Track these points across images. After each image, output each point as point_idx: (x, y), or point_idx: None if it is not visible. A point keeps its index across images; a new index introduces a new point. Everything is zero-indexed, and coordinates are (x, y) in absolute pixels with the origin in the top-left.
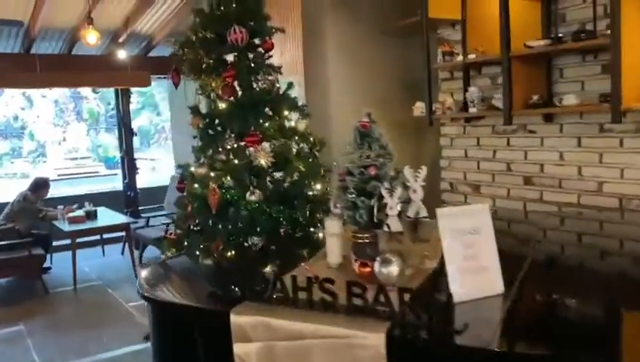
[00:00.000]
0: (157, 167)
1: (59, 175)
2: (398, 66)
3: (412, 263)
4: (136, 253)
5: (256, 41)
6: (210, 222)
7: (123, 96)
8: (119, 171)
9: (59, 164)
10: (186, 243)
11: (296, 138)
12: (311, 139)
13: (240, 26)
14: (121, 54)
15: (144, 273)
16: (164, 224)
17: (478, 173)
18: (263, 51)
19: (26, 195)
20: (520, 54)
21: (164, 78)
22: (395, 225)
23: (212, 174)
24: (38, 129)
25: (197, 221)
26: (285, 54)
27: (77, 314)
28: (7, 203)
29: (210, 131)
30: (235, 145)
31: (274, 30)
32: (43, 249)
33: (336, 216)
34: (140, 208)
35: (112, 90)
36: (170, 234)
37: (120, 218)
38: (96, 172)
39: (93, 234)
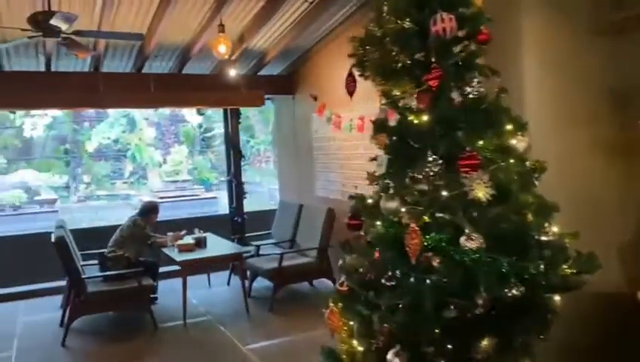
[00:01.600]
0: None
1: (160, 198)
2: (607, 72)
3: None
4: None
5: (463, 32)
6: (403, 274)
7: (232, 117)
8: (218, 194)
9: (159, 187)
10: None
11: (512, 161)
12: (527, 163)
13: (447, 13)
14: (232, 72)
15: None
16: (276, 254)
17: None
18: (473, 47)
19: (135, 220)
20: None
21: (269, 98)
22: None
23: (403, 209)
24: (139, 151)
25: (383, 272)
26: None
27: (191, 357)
28: (106, 226)
29: (401, 151)
30: (441, 171)
31: (488, 19)
32: (151, 277)
33: None
34: (246, 235)
35: (218, 110)
36: (342, 284)
37: (230, 246)
38: (197, 195)
39: (205, 265)
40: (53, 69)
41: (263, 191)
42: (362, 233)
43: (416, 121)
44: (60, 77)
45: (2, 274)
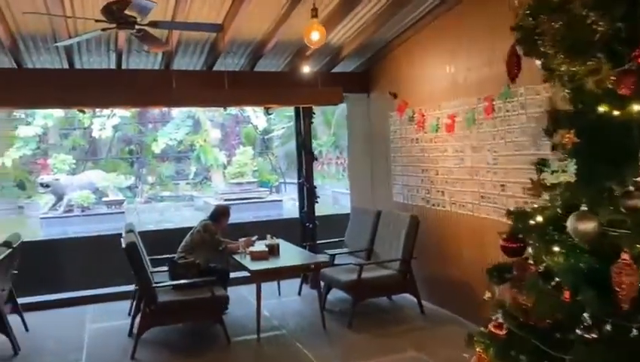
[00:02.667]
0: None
1: (225, 200)
2: None
3: None
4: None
5: None
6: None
7: (305, 116)
8: (284, 197)
9: (223, 188)
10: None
11: None
12: None
13: None
14: (306, 69)
15: None
16: (354, 265)
17: None
18: None
19: (206, 225)
20: None
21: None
22: None
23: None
24: (204, 152)
25: (573, 318)
26: None
27: None
28: (173, 229)
29: (597, 153)
30: None
31: None
32: (221, 286)
33: None
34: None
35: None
36: (499, 325)
37: (306, 255)
38: (261, 198)
39: (280, 276)
40: (124, 66)
41: (326, 194)
42: (528, 261)
43: (616, 113)
44: (132, 74)
45: (71, 276)
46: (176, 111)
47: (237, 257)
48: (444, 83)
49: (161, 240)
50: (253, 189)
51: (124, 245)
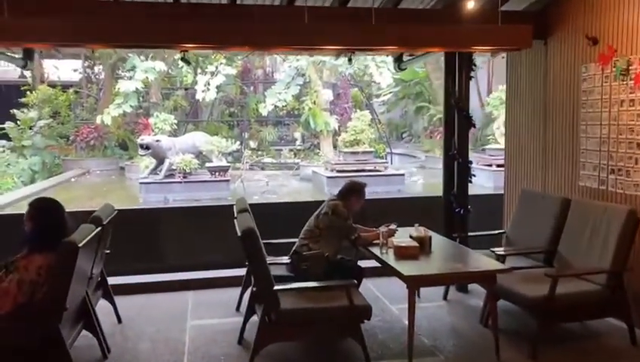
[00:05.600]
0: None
1: (337, 171)
2: None
3: None
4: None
5: None
6: None
7: (463, 67)
8: (406, 171)
9: (332, 157)
10: None
11: None
12: None
13: None
14: (470, 4)
15: None
16: (534, 270)
17: None
18: None
19: (335, 206)
20: None
21: None
22: None
23: None
24: (313, 116)
25: None
26: None
27: None
28: (280, 203)
29: None
30: None
31: None
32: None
33: None
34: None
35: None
36: None
37: (470, 254)
38: (379, 170)
39: (443, 282)
40: (238, 1)
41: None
42: None
43: None
44: (247, 11)
45: (169, 253)
46: (284, 70)
47: (375, 251)
48: None
49: (272, 217)
50: (370, 160)
51: (238, 230)
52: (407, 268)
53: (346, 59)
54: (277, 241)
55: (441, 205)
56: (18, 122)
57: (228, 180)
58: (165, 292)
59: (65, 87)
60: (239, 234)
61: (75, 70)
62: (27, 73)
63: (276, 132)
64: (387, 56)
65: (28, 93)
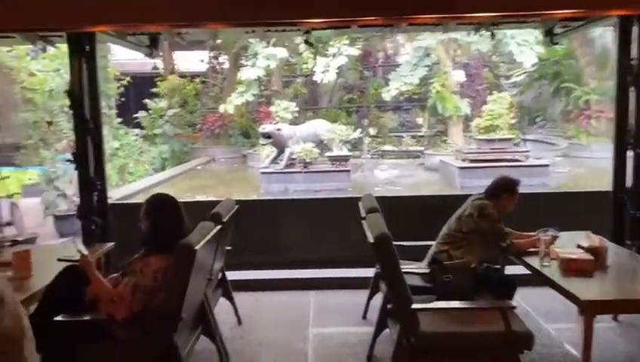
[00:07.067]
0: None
1: (470, 160)
2: None
3: None
4: None
5: None
6: None
7: None
8: (550, 162)
9: (462, 145)
10: None
11: None
12: None
13: None
14: None
15: None
16: None
17: None
18: None
19: (483, 207)
20: None
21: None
22: None
23: None
24: (441, 100)
25: None
26: None
27: None
28: (408, 197)
29: None
30: None
31: None
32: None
33: None
34: None
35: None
36: None
37: None
38: (519, 160)
39: (630, 311)
40: None
41: (592, 160)
42: None
43: None
44: None
45: (290, 247)
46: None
47: (532, 262)
48: None
49: (397, 212)
50: (508, 149)
51: (370, 236)
52: (581, 288)
53: (486, 34)
54: (408, 244)
55: (604, 204)
56: (150, 111)
57: (349, 170)
58: (285, 291)
59: (192, 77)
60: (371, 240)
61: (201, 61)
62: (159, 65)
63: (397, 118)
64: (536, 29)
65: (159, 83)
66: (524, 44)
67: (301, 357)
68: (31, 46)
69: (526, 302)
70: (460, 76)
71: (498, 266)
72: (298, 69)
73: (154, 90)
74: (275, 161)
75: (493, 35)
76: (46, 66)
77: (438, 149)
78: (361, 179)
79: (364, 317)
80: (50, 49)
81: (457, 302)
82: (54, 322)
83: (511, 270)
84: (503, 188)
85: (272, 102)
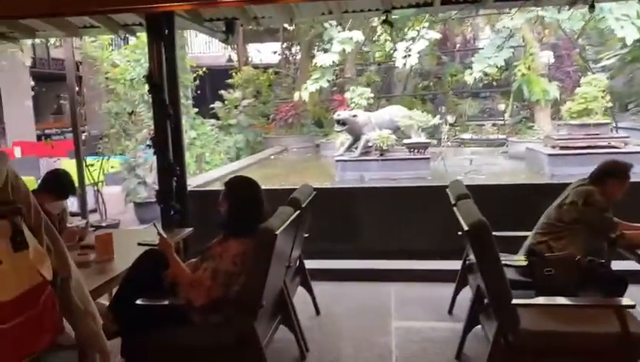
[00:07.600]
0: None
1: (560, 147)
2: None
3: None
4: None
5: None
6: None
7: None
8: None
9: (555, 132)
10: None
11: None
12: None
13: None
14: None
15: None
16: None
17: None
18: None
19: (589, 193)
20: None
21: None
22: None
23: None
24: (528, 83)
25: None
26: None
27: None
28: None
29: None
30: None
31: None
32: None
33: None
34: None
35: None
36: None
37: None
38: (616, 147)
39: None
40: None
41: None
42: None
43: None
44: None
45: (369, 237)
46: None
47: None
48: None
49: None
50: (604, 135)
51: (464, 223)
52: None
53: (584, 7)
54: (499, 234)
55: None
56: (225, 102)
57: (428, 158)
58: (364, 282)
59: (265, 68)
60: (466, 228)
61: (274, 52)
62: (234, 57)
63: (477, 105)
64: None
65: (233, 74)
66: (623, 19)
67: (385, 351)
68: (113, 37)
69: (638, 301)
70: (547, 57)
71: (603, 260)
72: (371, 56)
73: (228, 81)
74: (349, 148)
75: (592, 7)
76: (127, 57)
77: (523, 136)
78: (440, 168)
79: (450, 312)
80: (132, 40)
81: (565, 298)
82: (134, 305)
83: (617, 265)
84: (610, 172)
85: (346, 89)
